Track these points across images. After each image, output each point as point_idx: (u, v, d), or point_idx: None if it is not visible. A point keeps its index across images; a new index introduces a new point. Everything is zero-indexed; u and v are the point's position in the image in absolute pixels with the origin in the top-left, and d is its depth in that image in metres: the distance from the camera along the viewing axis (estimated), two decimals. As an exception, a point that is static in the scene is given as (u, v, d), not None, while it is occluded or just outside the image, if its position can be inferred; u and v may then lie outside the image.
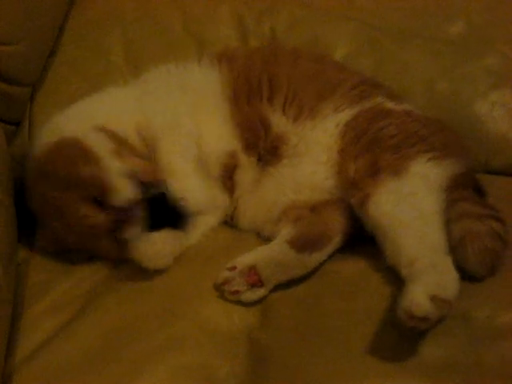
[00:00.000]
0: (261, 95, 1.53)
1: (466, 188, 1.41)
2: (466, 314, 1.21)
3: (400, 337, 1.16)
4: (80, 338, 1.22)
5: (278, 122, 1.51)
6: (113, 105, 1.53)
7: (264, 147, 1.51)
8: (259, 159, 1.51)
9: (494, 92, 1.75)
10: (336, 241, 1.39)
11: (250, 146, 1.51)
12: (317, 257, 1.35)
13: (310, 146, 1.49)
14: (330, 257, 1.39)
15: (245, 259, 1.32)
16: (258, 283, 1.29)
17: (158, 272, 1.33)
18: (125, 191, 1.34)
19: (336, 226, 1.40)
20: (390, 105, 1.51)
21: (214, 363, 1.16)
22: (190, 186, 1.42)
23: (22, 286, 1.35)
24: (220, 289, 1.29)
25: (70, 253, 1.41)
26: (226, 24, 1.87)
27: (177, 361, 1.17)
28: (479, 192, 1.44)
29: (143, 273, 1.35)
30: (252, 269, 1.29)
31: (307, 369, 1.15)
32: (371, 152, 1.40)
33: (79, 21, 1.85)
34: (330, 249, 1.37)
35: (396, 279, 1.27)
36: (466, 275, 1.26)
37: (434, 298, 1.11)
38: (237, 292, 1.28)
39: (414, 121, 1.48)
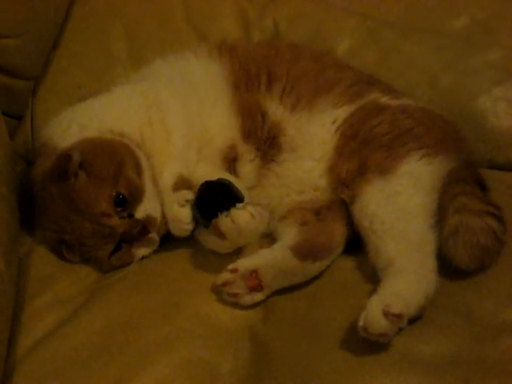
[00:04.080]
0: (259, 83, 1.54)
1: (468, 182, 1.40)
2: (469, 310, 1.21)
3: (402, 333, 1.16)
4: (82, 332, 1.22)
5: (275, 110, 1.52)
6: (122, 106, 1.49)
7: (262, 136, 1.50)
8: (258, 149, 1.51)
9: (497, 87, 1.74)
10: (338, 251, 1.39)
11: (248, 134, 1.51)
12: (319, 265, 1.34)
13: (306, 139, 1.48)
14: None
15: (247, 262, 1.29)
16: (258, 288, 1.27)
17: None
18: (153, 206, 1.37)
19: (339, 236, 1.39)
20: (385, 100, 1.51)
21: (216, 358, 1.16)
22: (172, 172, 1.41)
23: (25, 280, 1.34)
24: (219, 290, 1.27)
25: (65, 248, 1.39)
26: (228, 18, 1.87)
27: (179, 356, 1.16)
28: (482, 187, 1.42)
29: (145, 268, 1.35)
30: (254, 273, 1.27)
31: (309, 364, 1.15)
32: (362, 151, 1.41)
33: (81, 14, 1.85)
34: (332, 257, 1.37)
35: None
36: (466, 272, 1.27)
37: (387, 314, 1.12)
38: (236, 295, 1.26)
39: (409, 117, 1.47)
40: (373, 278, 1.30)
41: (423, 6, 1.83)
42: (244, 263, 1.29)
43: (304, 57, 1.60)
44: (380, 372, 1.13)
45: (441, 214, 1.33)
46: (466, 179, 1.40)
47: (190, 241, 1.39)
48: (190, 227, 1.34)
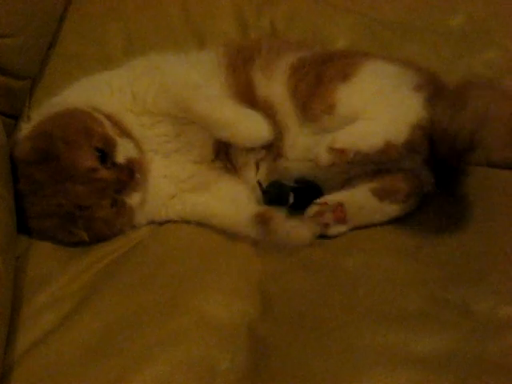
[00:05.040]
0: (252, 61, 1.56)
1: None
2: (469, 306, 1.21)
3: (401, 330, 1.17)
4: (80, 330, 1.22)
5: (259, 82, 1.54)
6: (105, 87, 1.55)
7: None
8: None
9: (494, 85, 1.74)
10: (411, 202, 1.43)
11: None
12: (395, 208, 1.41)
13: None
14: (332, 250, 1.39)
15: (334, 197, 1.41)
16: (343, 220, 1.38)
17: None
18: (129, 148, 1.44)
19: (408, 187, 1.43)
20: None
21: (214, 356, 1.16)
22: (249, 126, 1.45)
23: (22, 279, 1.34)
24: (309, 219, 1.38)
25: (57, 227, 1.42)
26: (225, 17, 1.87)
27: (177, 354, 1.16)
28: None
29: (143, 265, 1.35)
30: (340, 206, 1.38)
31: (308, 361, 1.14)
32: (317, 68, 1.47)
33: (79, 13, 1.85)
34: (405, 206, 1.43)
35: (397, 274, 1.28)
36: (465, 268, 1.27)
37: (331, 149, 1.28)
38: (326, 225, 1.38)
39: (370, 54, 1.54)
40: (371, 276, 1.30)
41: (420, 4, 1.84)
42: (331, 197, 1.41)
43: (286, 39, 1.69)
44: (378, 369, 1.12)
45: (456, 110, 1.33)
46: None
47: (188, 239, 1.40)
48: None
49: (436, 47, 1.79)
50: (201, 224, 1.49)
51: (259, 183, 1.50)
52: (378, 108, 1.37)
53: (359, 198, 1.41)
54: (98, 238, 1.43)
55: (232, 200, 1.49)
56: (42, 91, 1.79)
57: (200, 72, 1.54)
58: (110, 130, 1.44)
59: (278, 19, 1.86)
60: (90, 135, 1.40)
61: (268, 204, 1.47)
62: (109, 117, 1.47)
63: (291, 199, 1.46)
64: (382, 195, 1.41)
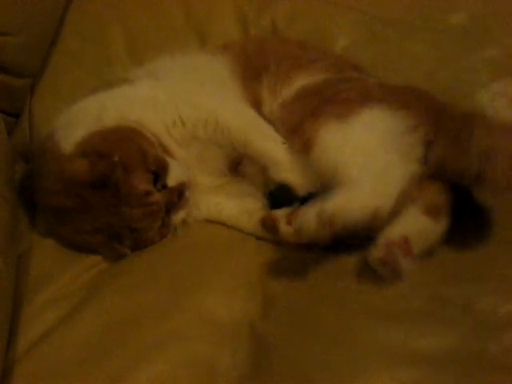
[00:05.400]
0: (261, 76, 1.55)
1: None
2: (470, 303, 1.21)
3: (401, 328, 1.17)
4: (81, 329, 1.22)
5: (266, 99, 1.53)
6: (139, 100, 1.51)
7: None
8: None
9: (495, 82, 1.74)
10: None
11: None
12: (444, 223, 1.33)
13: None
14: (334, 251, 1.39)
15: (395, 231, 1.28)
16: (411, 254, 1.27)
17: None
18: (180, 171, 1.42)
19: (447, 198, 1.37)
20: (355, 74, 1.54)
21: (215, 354, 1.16)
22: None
23: (23, 278, 1.34)
24: (376, 265, 1.27)
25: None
26: (226, 16, 1.87)
27: (178, 352, 1.16)
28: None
29: (144, 264, 1.36)
30: (405, 239, 1.27)
31: (307, 360, 1.14)
32: (320, 104, 1.41)
33: (80, 12, 1.85)
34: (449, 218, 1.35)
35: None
36: (466, 266, 1.28)
37: (319, 218, 1.18)
38: (397, 266, 1.25)
39: (381, 87, 1.48)
40: (373, 275, 1.30)
41: (421, 2, 1.83)
42: (393, 233, 1.28)
43: (292, 41, 1.65)
44: (378, 367, 1.12)
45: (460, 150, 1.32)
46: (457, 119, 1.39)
47: (189, 239, 1.40)
48: None
49: (436, 45, 1.78)
50: (200, 223, 1.50)
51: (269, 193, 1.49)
52: (365, 173, 1.29)
53: (416, 224, 1.31)
54: (137, 250, 1.41)
55: (241, 203, 1.50)
56: (43, 89, 1.79)
57: (217, 82, 1.54)
58: (160, 152, 1.42)
59: (278, 18, 1.85)
60: (146, 158, 1.37)
61: (274, 208, 1.45)
62: (154, 136, 1.46)
63: (297, 203, 1.42)
64: (433, 213, 1.32)
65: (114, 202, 1.34)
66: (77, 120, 1.45)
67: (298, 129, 1.39)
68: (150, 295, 1.28)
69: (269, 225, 1.42)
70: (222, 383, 1.12)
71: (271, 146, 1.45)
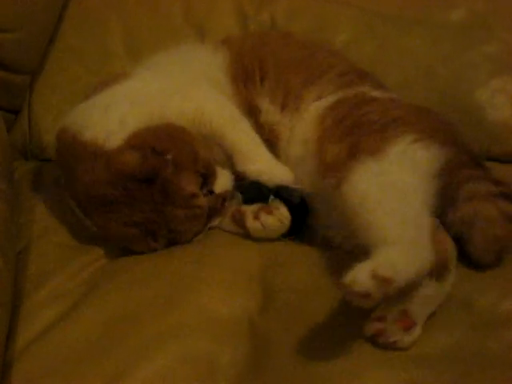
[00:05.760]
0: (254, 78, 1.53)
1: (471, 167, 1.37)
2: (469, 301, 1.21)
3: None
4: (80, 326, 1.21)
5: (267, 110, 1.51)
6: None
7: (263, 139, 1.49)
8: None
9: (494, 79, 1.74)
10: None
11: None
12: (451, 278, 1.25)
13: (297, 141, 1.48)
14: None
15: (391, 305, 1.19)
16: (412, 325, 1.16)
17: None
18: (228, 180, 1.42)
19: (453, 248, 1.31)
20: (375, 93, 1.49)
21: (215, 351, 1.15)
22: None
23: (23, 275, 1.34)
24: (372, 339, 1.17)
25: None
26: (226, 13, 1.87)
27: (178, 348, 1.16)
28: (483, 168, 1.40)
29: (144, 261, 1.35)
30: (404, 312, 1.17)
31: (307, 356, 1.15)
32: (352, 136, 1.37)
33: (78, 8, 1.85)
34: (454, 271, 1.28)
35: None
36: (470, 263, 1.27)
37: (375, 276, 1.07)
38: (395, 343, 1.15)
39: (399, 108, 1.45)
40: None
41: (420, -1, 1.84)
42: (388, 307, 1.19)
43: (294, 42, 1.61)
44: (378, 365, 1.12)
45: (449, 205, 1.30)
46: (469, 164, 1.37)
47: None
48: None
49: (435, 41, 1.78)
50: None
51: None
52: (407, 225, 1.21)
53: (420, 291, 1.20)
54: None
55: None
56: (43, 86, 1.79)
57: (208, 78, 1.53)
58: (210, 155, 1.42)
59: (278, 14, 1.85)
60: (197, 160, 1.37)
61: (246, 203, 1.44)
62: None
63: (271, 199, 1.42)
64: (438, 273, 1.22)
65: (159, 199, 1.33)
66: (114, 114, 1.42)
67: (335, 167, 1.35)
68: (149, 292, 1.27)
69: (237, 219, 1.42)
70: (222, 379, 1.11)
71: (243, 139, 1.46)
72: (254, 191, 1.44)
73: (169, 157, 1.34)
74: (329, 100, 1.47)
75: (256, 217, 1.39)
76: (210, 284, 1.28)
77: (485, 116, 1.72)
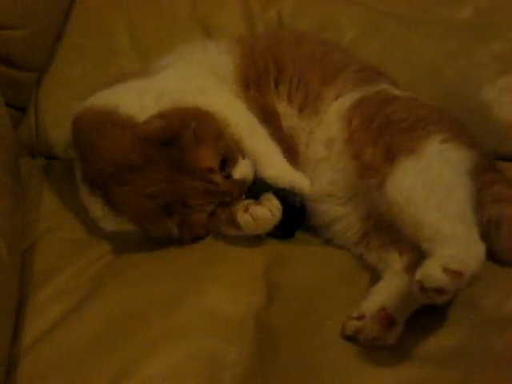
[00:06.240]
0: (268, 80, 1.52)
1: (495, 170, 1.40)
2: (475, 301, 1.21)
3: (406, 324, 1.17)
4: (86, 323, 1.22)
5: (285, 113, 1.51)
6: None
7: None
8: None
9: (501, 78, 1.74)
10: None
11: None
12: None
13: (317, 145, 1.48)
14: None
15: (371, 304, 1.22)
16: (392, 324, 1.17)
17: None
18: (248, 169, 1.42)
19: None
20: (395, 91, 1.50)
21: (221, 349, 1.16)
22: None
23: (28, 272, 1.34)
24: (352, 339, 1.18)
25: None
26: (232, 9, 1.87)
27: (183, 347, 1.16)
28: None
29: (149, 259, 1.35)
30: (383, 311, 1.18)
31: (313, 354, 1.15)
32: (385, 136, 1.37)
33: (85, 6, 1.85)
34: None
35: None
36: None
37: (446, 270, 1.07)
38: (376, 339, 1.17)
39: (422, 106, 1.45)
40: (374, 271, 1.32)
41: (427, -4, 1.83)
42: (368, 305, 1.22)
43: (308, 40, 1.60)
44: (384, 364, 1.13)
45: (477, 206, 1.30)
46: (490, 167, 1.39)
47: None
48: None
49: (442, 40, 1.78)
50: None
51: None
52: (454, 228, 1.21)
53: (400, 289, 1.23)
54: (179, 240, 1.39)
55: None
56: (49, 83, 1.79)
57: (218, 78, 1.53)
58: (233, 144, 1.43)
59: (285, 11, 1.84)
60: (219, 139, 1.38)
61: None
62: None
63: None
64: (413, 270, 1.18)
65: (176, 167, 1.34)
66: (151, 95, 1.46)
67: (375, 168, 1.35)
68: (155, 290, 1.27)
69: (230, 219, 1.40)
70: (228, 378, 1.12)
71: (260, 145, 1.45)
72: (254, 191, 1.43)
73: (193, 124, 1.35)
74: (349, 99, 1.47)
75: (246, 210, 1.37)
76: (216, 282, 1.29)
77: (491, 115, 1.72)
